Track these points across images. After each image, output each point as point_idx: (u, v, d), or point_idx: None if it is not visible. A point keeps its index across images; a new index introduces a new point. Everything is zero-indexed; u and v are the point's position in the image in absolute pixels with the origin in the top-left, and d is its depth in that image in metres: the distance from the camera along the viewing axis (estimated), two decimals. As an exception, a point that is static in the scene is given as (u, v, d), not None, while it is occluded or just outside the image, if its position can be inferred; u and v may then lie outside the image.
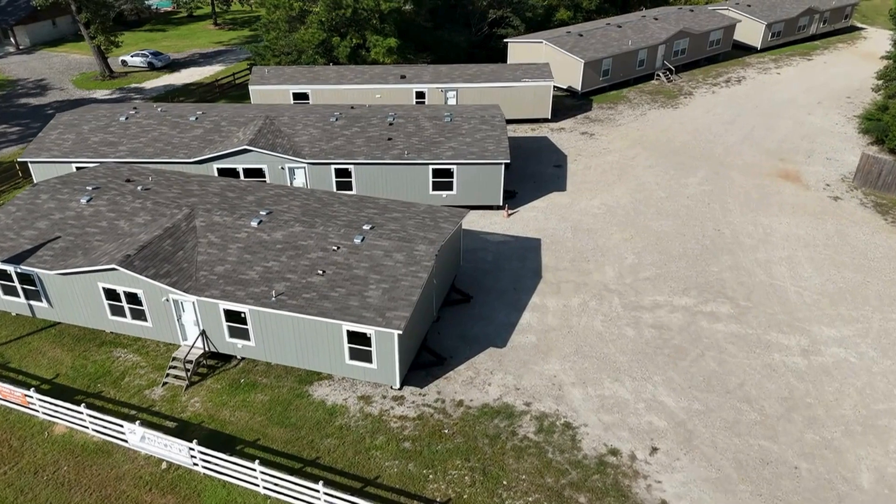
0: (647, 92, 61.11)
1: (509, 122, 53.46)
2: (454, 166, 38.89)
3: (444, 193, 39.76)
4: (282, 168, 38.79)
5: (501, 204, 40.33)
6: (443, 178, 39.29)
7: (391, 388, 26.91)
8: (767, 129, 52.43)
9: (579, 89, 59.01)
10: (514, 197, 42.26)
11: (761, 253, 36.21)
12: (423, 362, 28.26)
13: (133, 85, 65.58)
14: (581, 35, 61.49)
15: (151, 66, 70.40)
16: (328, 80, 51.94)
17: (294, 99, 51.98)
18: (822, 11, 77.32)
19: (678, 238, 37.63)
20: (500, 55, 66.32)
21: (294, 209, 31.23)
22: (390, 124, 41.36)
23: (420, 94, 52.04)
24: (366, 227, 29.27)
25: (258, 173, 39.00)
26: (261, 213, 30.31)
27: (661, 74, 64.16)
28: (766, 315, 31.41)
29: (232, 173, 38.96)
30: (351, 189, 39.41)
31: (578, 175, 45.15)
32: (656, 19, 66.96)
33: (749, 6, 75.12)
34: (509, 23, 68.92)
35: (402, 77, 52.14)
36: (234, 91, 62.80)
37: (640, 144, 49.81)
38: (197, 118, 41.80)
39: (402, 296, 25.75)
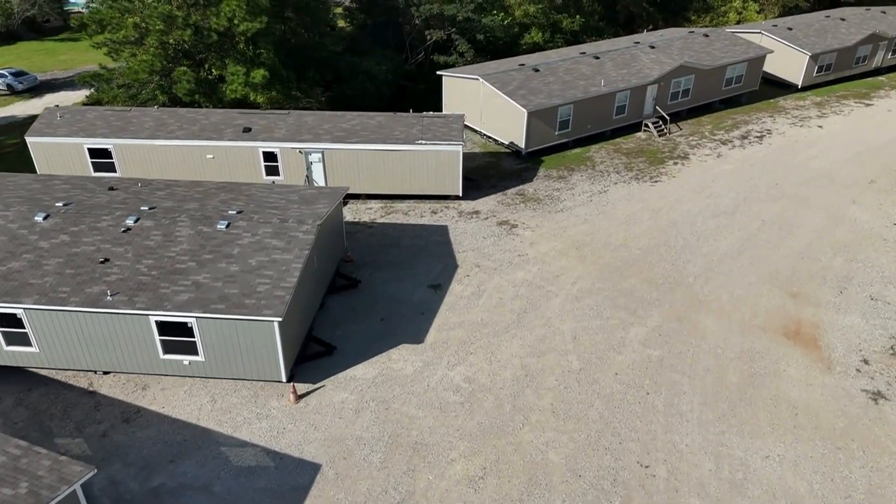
0: (623, 151, 43.50)
1: (405, 198, 36.99)
2: (193, 320, 22.62)
3: (186, 359, 23.51)
4: None
5: (285, 379, 23.83)
6: (178, 337, 23.06)
7: None
8: (783, 230, 34.27)
9: (523, 147, 41.90)
10: (330, 354, 25.75)
11: (712, 543, 18.75)
12: None
13: (-36, 116, 51.35)
14: (537, 70, 44.22)
15: (11, 89, 56.12)
16: (140, 132, 36.24)
17: (92, 158, 36.50)
18: (890, 38, 57.91)
19: (566, 483, 20.41)
20: (439, 90, 49.53)
21: None
22: (126, 231, 25.34)
23: (270, 157, 35.98)
24: None
25: None
26: None
27: (650, 125, 46.36)
28: None
29: None
30: (31, 345, 23.56)
31: (459, 307, 28.25)
32: (652, 48, 49.06)
33: (790, 29, 56.43)
34: (455, 48, 52.06)
35: (246, 130, 36.06)
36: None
37: (577, 249, 32.48)
38: None
39: None
